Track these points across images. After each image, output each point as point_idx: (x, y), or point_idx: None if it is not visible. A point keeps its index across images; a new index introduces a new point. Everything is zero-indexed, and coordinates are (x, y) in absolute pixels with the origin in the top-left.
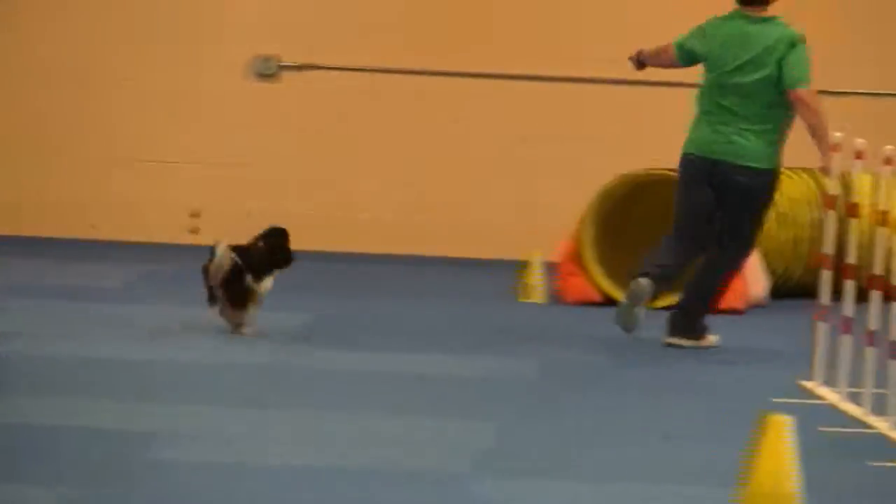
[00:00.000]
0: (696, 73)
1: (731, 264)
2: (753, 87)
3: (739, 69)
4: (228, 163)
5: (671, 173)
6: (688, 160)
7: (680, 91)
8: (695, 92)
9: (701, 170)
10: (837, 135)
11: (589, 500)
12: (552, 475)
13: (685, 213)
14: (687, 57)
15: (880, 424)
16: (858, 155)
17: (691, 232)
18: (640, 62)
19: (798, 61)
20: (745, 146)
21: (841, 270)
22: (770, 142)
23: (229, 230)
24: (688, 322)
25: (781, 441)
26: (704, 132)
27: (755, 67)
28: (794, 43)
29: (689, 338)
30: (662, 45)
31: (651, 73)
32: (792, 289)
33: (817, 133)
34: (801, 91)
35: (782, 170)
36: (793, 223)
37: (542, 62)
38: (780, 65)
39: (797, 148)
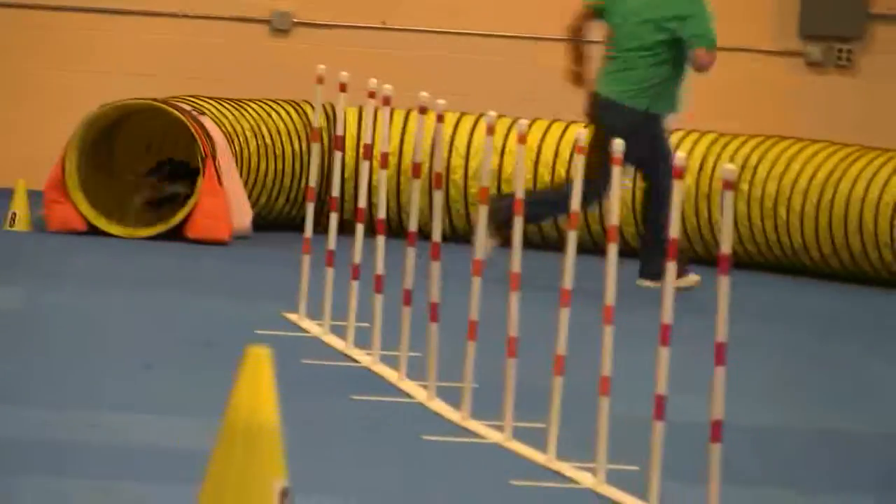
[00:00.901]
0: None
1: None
2: None
3: None
4: None
5: (154, 102)
6: None
7: (130, 20)
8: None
9: None
10: (321, 67)
11: (66, 428)
12: (30, 403)
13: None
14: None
15: (363, 358)
16: (343, 87)
17: None
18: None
19: None
20: None
21: (325, 202)
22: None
23: None
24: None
25: (260, 373)
26: None
27: None
28: None
29: (653, 279)
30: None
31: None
32: (274, 220)
33: None
34: None
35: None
36: (277, 155)
37: None
38: None
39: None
